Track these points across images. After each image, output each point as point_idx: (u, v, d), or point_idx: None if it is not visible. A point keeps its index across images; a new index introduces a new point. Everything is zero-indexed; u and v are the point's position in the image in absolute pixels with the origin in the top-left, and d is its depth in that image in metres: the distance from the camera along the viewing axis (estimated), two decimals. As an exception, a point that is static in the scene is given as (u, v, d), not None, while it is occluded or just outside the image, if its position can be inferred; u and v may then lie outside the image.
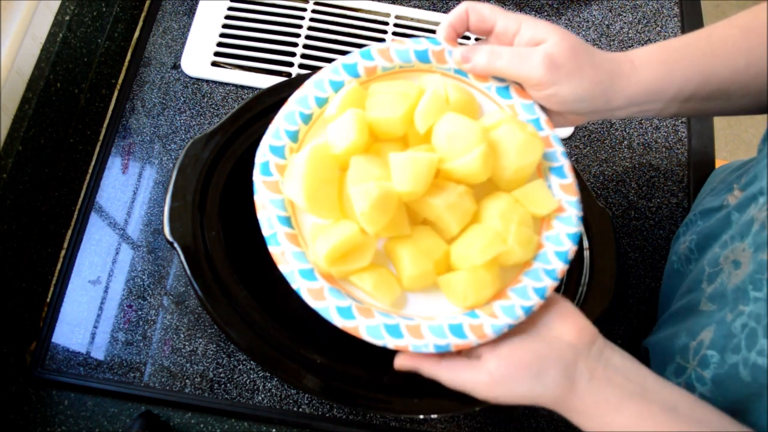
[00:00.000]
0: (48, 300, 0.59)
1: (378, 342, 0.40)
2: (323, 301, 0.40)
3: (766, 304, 0.42)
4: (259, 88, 0.68)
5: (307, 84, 0.46)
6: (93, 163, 0.65)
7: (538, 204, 0.43)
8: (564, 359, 0.40)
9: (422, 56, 0.47)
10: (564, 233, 0.43)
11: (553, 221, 0.44)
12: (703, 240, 0.56)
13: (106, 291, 0.59)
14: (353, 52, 0.47)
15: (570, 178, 0.45)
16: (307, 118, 0.46)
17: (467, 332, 0.40)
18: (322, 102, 0.46)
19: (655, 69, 0.44)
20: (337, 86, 0.46)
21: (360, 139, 0.42)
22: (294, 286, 0.41)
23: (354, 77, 0.47)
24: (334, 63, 0.47)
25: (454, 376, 0.41)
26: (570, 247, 0.43)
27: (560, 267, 0.42)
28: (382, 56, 0.47)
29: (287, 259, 0.41)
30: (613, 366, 0.41)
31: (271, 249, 0.42)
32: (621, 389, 0.40)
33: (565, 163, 0.46)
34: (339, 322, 0.40)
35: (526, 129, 0.44)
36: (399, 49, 0.47)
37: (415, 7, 0.74)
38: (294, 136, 0.45)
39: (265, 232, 0.42)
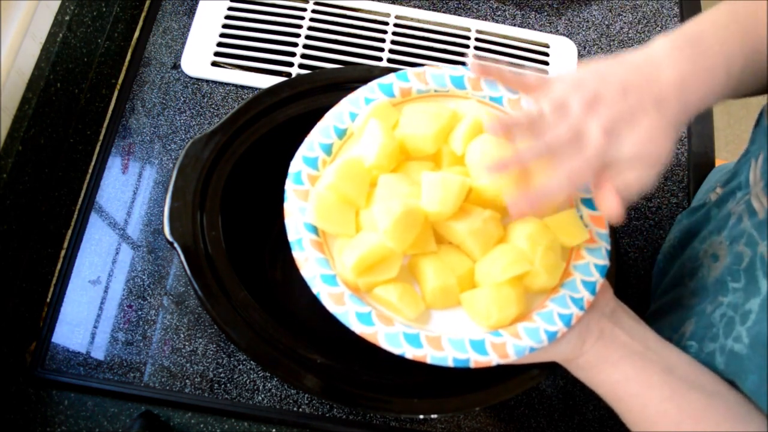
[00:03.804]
0: (48, 300, 0.59)
1: (396, 350, 0.39)
2: (343, 306, 0.40)
3: (743, 293, 0.43)
4: (259, 88, 0.68)
5: (344, 101, 0.47)
6: (93, 163, 0.65)
7: (569, 234, 0.43)
8: (581, 321, 0.42)
9: (457, 82, 0.48)
10: (593, 264, 0.43)
11: (583, 251, 0.44)
12: (684, 237, 0.56)
13: (106, 291, 0.59)
14: (389, 74, 0.48)
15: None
16: (341, 133, 0.46)
17: (489, 349, 0.40)
18: (356, 118, 0.47)
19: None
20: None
21: (388, 143, 0.42)
22: (315, 290, 0.41)
23: (389, 97, 0.47)
24: (370, 83, 0.48)
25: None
26: (598, 279, 0.43)
27: (587, 297, 0.42)
28: (417, 79, 0.48)
29: (310, 264, 0.42)
30: (621, 326, 0.43)
31: (295, 254, 0.42)
32: (623, 348, 0.42)
33: None
34: (358, 328, 0.40)
35: None
36: (435, 73, 0.48)
37: (415, 7, 0.74)
38: (328, 149, 0.46)
39: (291, 237, 0.43)
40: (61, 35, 0.60)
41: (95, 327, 0.58)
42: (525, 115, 0.41)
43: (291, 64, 0.70)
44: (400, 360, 0.40)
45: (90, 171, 0.65)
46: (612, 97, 0.40)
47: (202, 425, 0.56)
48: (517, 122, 0.41)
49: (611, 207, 0.39)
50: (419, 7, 0.74)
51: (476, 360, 0.40)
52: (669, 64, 0.41)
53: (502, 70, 0.44)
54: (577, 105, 0.40)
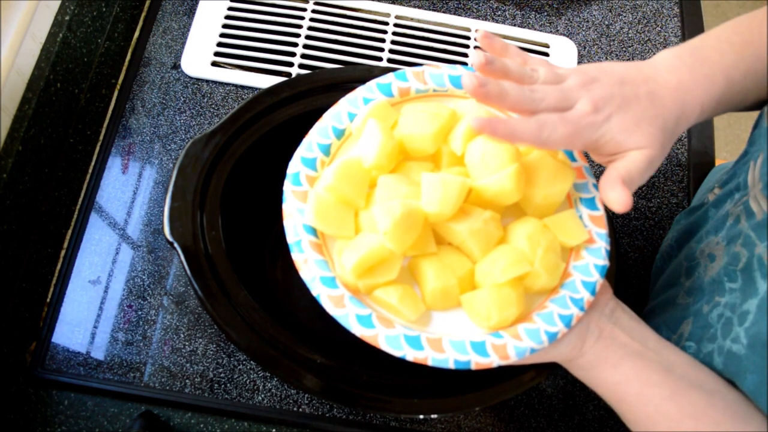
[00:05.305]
0: (48, 300, 0.59)
1: (397, 353, 0.39)
2: (343, 308, 0.40)
3: (740, 294, 0.43)
4: (259, 88, 0.68)
5: (342, 101, 0.47)
6: (93, 163, 0.65)
7: (569, 234, 0.43)
8: (581, 322, 0.42)
9: (456, 81, 0.48)
10: (592, 264, 0.43)
11: (582, 251, 0.44)
12: (682, 237, 0.57)
13: (106, 291, 0.59)
14: (388, 74, 0.48)
15: (601, 211, 0.45)
16: (340, 133, 0.46)
17: (489, 351, 0.40)
18: (354, 118, 0.46)
19: (700, 86, 0.43)
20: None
21: (388, 143, 0.42)
22: (314, 293, 0.41)
23: (388, 97, 0.47)
24: (369, 83, 0.47)
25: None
26: (597, 279, 0.42)
27: (587, 297, 0.42)
28: (416, 78, 0.48)
29: (309, 266, 0.41)
30: (621, 326, 0.43)
31: (294, 256, 0.42)
32: (623, 348, 0.42)
33: (597, 195, 0.46)
34: (358, 330, 0.40)
35: (558, 156, 0.44)
36: (433, 72, 0.48)
37: (415, 7, 0.74)
38: (326, 150, 0.46)
39: (290, 239, 0.42)
40: (61, 35, 0.60)
41: (95, 327, 0.58)
42: (518, 68, 0.41)
43: (291, 64, 0.70)
44: (401, 360, 0.40)
45: (90, 171, 0.65)
46: (609, 82, 0.41)
47: (202, 425, 0.56)
48: (506, 68, 0.41)
49: (617, 196, 0.39)
50: (419, 7, 0.74)
51: (477, 362, 0.39)
52: (668, 70, 0.43)
53: (508, 45, 0.44)
54: (573, 80, 0.41)
